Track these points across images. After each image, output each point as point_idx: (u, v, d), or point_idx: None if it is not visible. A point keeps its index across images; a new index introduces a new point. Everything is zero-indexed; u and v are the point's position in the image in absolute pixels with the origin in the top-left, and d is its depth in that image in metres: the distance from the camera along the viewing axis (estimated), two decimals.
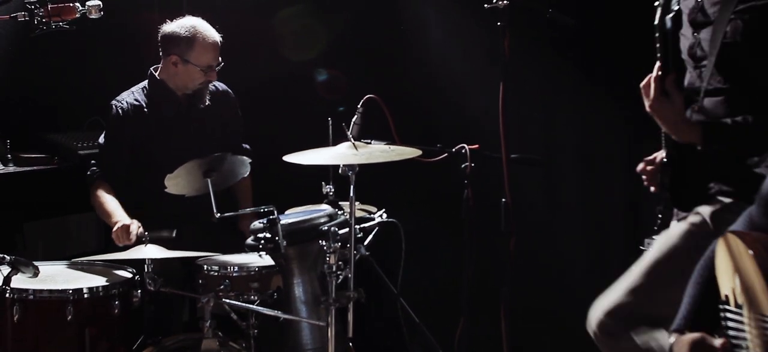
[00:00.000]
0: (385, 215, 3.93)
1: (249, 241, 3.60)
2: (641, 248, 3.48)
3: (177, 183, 3.72)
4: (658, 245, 2.97)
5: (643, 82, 2.87)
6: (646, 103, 2.86)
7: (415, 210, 4.72)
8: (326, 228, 3.46)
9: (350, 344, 3.86)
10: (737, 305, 2.16)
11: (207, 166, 3.70)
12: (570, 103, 4.75)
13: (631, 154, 4.42)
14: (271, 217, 3.48)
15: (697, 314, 2.30)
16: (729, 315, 2.18)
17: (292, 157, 3.54)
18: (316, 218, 3.59)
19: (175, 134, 4.24)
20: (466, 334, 3.87)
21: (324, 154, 3.57)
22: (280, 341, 3.67)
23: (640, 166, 3.12)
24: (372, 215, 3.92)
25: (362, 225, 3.74)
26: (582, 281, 4.77)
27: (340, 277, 3.53)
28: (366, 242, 3.85)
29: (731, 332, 2.17)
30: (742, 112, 2.77)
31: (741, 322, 2.12)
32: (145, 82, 4.32)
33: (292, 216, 3.70)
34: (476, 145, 3.85)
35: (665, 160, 2.99)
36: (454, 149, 3.88)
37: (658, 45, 2.88)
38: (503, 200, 3.68)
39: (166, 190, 3.72)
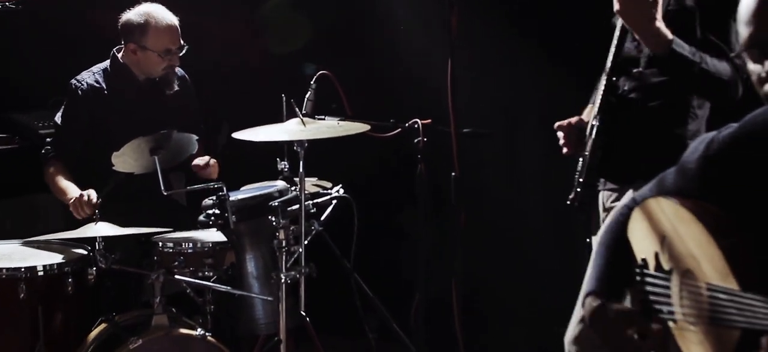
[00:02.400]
0: (341, 191, 3.95)
1: (201, 218, 3.62)
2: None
3: (124, 161, 3.73)
4: None
5: None
6: (615, 4, 2.85)
7: (372, 185, 4.74)
8: (276, 204, 3.49)
9: (307, 319, 3.89)
10: (660, 270, 2.14)
11: (153, 143, 3.71)
12: (531, 75, 4.76)
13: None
14: (220, 193, 3.50)
15: (611, 278, 2.28)
16: (649, 280, 2.16)
17: (241, 134, 3.56)
18: (266, 194, 3.61)
19: (134, 117, 4.23)
20: (422, 308, 3.88)
21: (273, 131, 3.58)
22: (235, 316, 3.70)
23: (557, 124, 3.18)
24: (327, 191, 3.93)
25: (315, 201, 3.75)
26: (544, 253, 4.82)
27: (294, 253, 3.56)
28: (323, 218, 3.87)
29: (652, 298, 2.15)
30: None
31: (666, 287, 2.10)
32: (107, 63, 4.31)
33: (243, 192, 3.73)
34: (429, 120, 3.86)
35: (598, 125, 2.99)
36: (407, 124, 3.88)
37: None
38: (453, 174, 3.70)
39: (113, 168, 3.73)
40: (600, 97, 3.04)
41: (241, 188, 3.94)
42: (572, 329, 3.09)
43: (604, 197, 3.20)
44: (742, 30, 2.03)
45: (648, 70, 3.01)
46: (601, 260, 2.32)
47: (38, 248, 3.81)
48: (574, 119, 3.22)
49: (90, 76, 4.27)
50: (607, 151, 3.01)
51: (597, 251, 2.35)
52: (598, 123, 3.01)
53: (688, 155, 2.18)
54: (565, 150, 3.20)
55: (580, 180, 3.08)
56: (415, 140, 3.83)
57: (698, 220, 2.01)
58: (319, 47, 4.95)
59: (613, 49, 3.03)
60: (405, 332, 4.04)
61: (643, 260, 2.21)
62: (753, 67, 2.02)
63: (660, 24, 2.82)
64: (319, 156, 3.97)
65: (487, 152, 4.77)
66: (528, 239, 4.88)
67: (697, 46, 2.88)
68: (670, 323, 2.08)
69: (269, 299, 3.53)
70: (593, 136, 3.02)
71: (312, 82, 3.91)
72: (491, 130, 4.04)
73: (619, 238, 2.31)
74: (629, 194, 2.92)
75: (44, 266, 3.53)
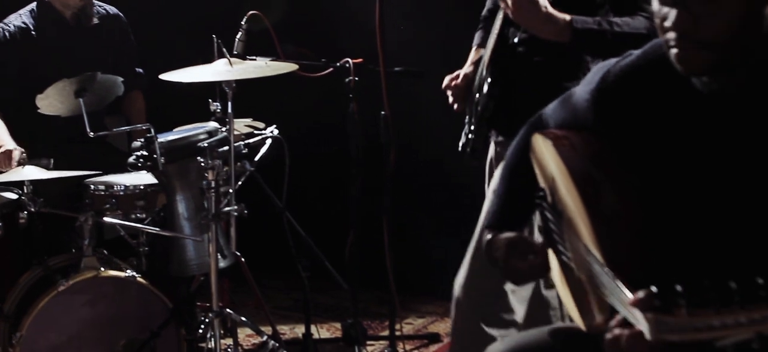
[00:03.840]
0: (276, 131, 3.95)
1: (130, 160, 3.61)
2: None
3: (49, 103, 3.71)
4: None
5: None
6: (507, 5, 2.77)
7: (307, 125, 4.74)
8: (204, 145, 3.49)
9: (242, 259, 3.92)
10: (552, 204, 2.13)
11: (78, 85, 3.69)
12: (467, 12, 4.76)
13: None
14: (148, 135, 3.49)
15: (507, 211, 2.28)
16: (547, 213, 2.15)
17: (168, 76, 3.55)
18: (194, 135, 3.61)
19: (64, 59, 4.20)
20: (356, 247, 3.91)
21: (200, 72, 3.57)
22: (167, 258, 3.71)
23: (446, 81, 3.15)
24: (259, 131, 3.94)
25: (246, 141, 3.75)
26: (478, 190, 4.86)
27: (227, 193, 3.57)
28: (256, 159, 3.88)
29: (543, 223, 2.16)
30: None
31: (559, 225, 2.09)
32: (34, 4, 4.27)
33: (172, 134, 3.72)
34: (360, 60, 3.85)
35: (489, 79, 2.96)
36: (338, 64, 3.88)
37: None
38: (383, 112, 3.71)
39: (38, 111, 3.71)
40: (490, 50, 2.97)
41: (174, 130, 3.93)
42: (461, 271, 3.09)
43: (492, 148, 3.18)
44: None
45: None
46: (499, 192, 2.31)
47: None
48: (461, 75, 3.16)
49: (17, 18, 4.23)
50: (498, 103, 2.96)
51: (498, 182, 2.35)
52: (489, 76, 2.95)
53: (583, 86, 2.15)
54: (455, 107, 3.17)
55: (471, 129, 3.06)
56: (347, 79, 3.83)
57: (573, 181, 1.98)
58: None
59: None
60: (339, 270, 4.07)
61: (543, 190, 2.18)
62: (656, 7, 1.99)
63: (552, 12, 2.73)
64: (253, 97, 3.97)
65: (425, 91, 4.78)
66: (463, 176, 4.90)
67: (608, 8, 2.83)
68: (566, 259, 2.07)
69: (198, 239, 3.55)
70: (484, 89, 2.97)
71: (242, 23, 3.89)
72: (424, 69, 4.02)
73: (516, 169, 2.30)
74: None
75: None
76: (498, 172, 2.39)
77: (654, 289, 1.51)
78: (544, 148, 2.14)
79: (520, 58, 2.95)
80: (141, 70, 4.52)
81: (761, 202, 1.83)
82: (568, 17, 2.75)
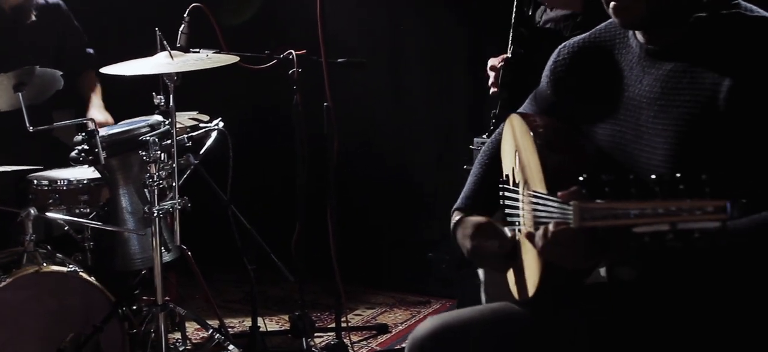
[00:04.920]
0: (221, 124, 3.94)
1: (72, 154, 3.58)
2: (471, 147, 3.55)
3: None
4: None
5: None
6: None
7: (254, 117, 4.74)
8: (147, 138, 3.47)
9: (189, 253, 3.91)
10: (515, 184, 2.20)
11: (16, 80, 3.66)
12: (413, 4, 4.79)
13: (474, 55, 4.50)
14: (89, 129, 3.47)
15: (480, 194, 2.34)
16: (507, 193, 2.23)
17: (109, 69, 3.53)
18: (136, 128, 3.59)
19: (9, 53, 4.16)
20: (303, 238, 3.92)
21: (142, 65, 3.55)
22: (111, 253, 3.70)
23: (491, 62, 3.12)
24: (204, 124, 3.92)
25: (189, 134, 3.74)
26: (426, 180, 4.89)
27: (172, 187, 3.55)
28: (202, 152, 3.86)
29: (507, 210, 2.21)
30: None
31: (516, 199, 2.16)
32: None
33: (116, 127, 3.70)
34: (303, 51, 3.85)
35: (509, 57, 2.96)
36: (281, 55, 3.87)
37: None
38: (325, 104, 3.71)
39: None
40: (511, 29, 2.98)
41: (119, 123, 3.92)
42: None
43: None
44: None
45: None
46: (472, 178, 2.38)
47: None
48: (504, 59, 3.11)
49: None
50: (520, 86, 2.91)
51: (474, 165, 2.42)
52: (510, 56, 2.97)
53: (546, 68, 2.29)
54: (492, 90, 3.15)
55: (494, 112, 3.07)
56: (290, 71, 3.82)
57: (530, 132, 2.09)
58: None
59: None
60: (286, 262, 4.07)
61: (506, 175, 2.29)
62: None
63: None
64: (199, 89, 3.96)
65: (372, 81, 4.80)
66: (410, 166, 4.94)
67: None
68: (518, 234, 2.15)
69: (142, 233, 3.53)
70: (502, 71, 3.00)
71: (185, 15, 3.87)
72: (366, 59, 4.03)
73: (492, 155, 2.39)
74: None
75: None
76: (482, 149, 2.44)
77: (581, 178, 1.60)
78: (515, 124, 2.24)
79: (546, 36, 2.98)
80: (91, 51, 4.52)
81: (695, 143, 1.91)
82: None
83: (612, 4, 1.96)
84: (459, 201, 2.35)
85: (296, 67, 3.82)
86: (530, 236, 1.93)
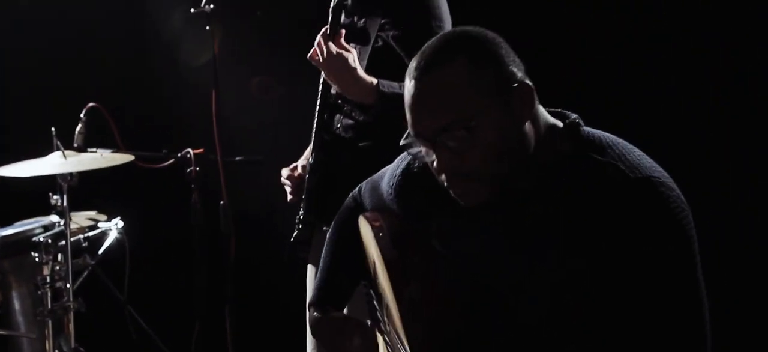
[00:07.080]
0: (120, 223, 3.92)
1: None
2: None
3: None
4: None
5: (316, 42, 2.80)
6: (321, 63, 2.77)
7: (153, 216, 4.71)
8: (40, 240, 3.44)
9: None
10: (376, 282, 2.17)
11: None
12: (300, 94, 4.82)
13: None
14: None
15: (329, 287, 2.26)
16: (370, 290, 2.20)
17: (3, 170, 3.50)
18: (29, 229, 3.57)
19: None
20: (202, 337, 3.89)
21: (36, 165, 3.53)
22: None
23: (285, 172, 3.12)
24: (101, 224, 3.90)
25: (85, 235, 3.72)
26: None
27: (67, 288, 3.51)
28: (100, 252, 3.84)
29: (375, 306, 2.18)
30: None
31: (379, 298, 2.15)
32: None
33: (9, 228, 3.66)
34: (201, 149, 3.87)
35: (312, 162, 2.97)
36: (179, 154, 3.89)
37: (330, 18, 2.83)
38: (222, 202, 3.73)
39: None
40: (313, 135, 2.98)
41: (13, 224, 3.87)
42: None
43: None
44: None
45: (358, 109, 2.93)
46: (323, 268, 2.29)
47: None
48: (299, 167, 3.13)
49: None
50: (324, 191, 2.94)
51: (323, 255, 2.32)
52: (312, 162, 2.96)
53: (387, 178, 2.20)
54: (290, 198, 3.13)
55: (300, 217, 3.04)
56: (188, 170, 3.84)
57: (385, 267, 2.03)
58: (100, 81, 4.85)
59: (321, 85, 2.97)
60: None
61: (368, 272, 2.22)
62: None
63: (360, 74, 2.75)
64: (97, 188, 3.94)
65: (268, 178, 4.80)
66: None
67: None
68: (383, 333, 2.11)
69: (32, 336, 3.48)
70: (307, 175, 2.98)
71: (82, 115, 3.87)
72: (262, 156, 4.06)
73: (342, 238, 2.30)
74: None
75: None
76: (328, 233, 2.37)
77: None
78: (366, 232, 2.19)
79: (344, 144, 2.94)
80: None
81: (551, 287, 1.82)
82: (375, 81, 2.76)
83: (452, 192, 1.84)
84: (312, 295, 2.27)
85: (194, 166, 3.84)
86: None
